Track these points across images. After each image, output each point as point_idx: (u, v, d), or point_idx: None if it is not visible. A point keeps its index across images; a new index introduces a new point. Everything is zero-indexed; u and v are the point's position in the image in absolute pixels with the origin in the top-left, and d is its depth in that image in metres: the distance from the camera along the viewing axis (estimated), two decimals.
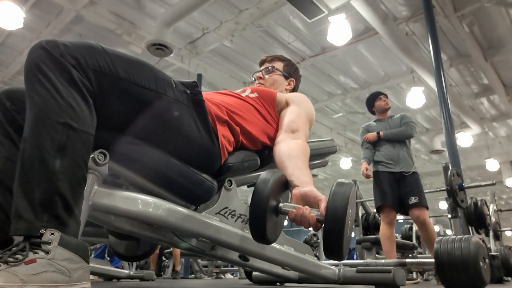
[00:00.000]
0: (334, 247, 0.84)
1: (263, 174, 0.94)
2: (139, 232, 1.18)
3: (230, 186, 1.21)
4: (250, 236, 1.21)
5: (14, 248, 0.72)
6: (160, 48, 5.24)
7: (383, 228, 3.20)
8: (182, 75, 6.67)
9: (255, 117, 1.29)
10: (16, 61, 6.50)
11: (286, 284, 2.37)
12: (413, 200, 3.08)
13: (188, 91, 1.09)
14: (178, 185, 1.06)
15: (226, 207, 1.18)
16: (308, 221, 0.88)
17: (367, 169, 3.32)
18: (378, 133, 3.33)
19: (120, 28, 5.62)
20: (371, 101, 3.58)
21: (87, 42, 0.87)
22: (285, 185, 1.00)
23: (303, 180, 0.98)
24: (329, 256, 0.88)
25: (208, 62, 6.64)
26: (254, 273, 2.44)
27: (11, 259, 0.69)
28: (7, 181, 0.98)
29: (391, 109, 3.60)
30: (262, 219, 0.88)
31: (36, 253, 0.72)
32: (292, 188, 0.98)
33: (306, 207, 0.89)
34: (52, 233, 0.74)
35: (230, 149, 1.18)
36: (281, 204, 0.94)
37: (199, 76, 6.80)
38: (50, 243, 0.73)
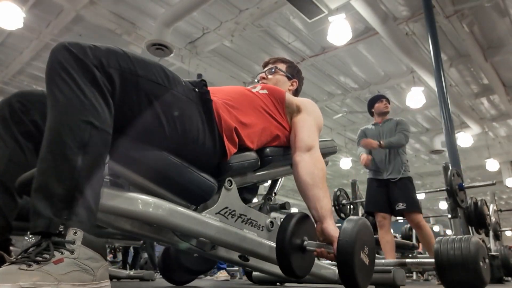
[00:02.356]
0: (346, 280, 1.00)
1: (287, 216, 1.12)
2: (139, 232, 1.18)
3: (230, 186, 1.21)
4: (250, 236, 1.22)
5: (35, 248, 0.71)
6: (160, 48, 5.24)
7: (379, 231, 3.25)
8: (182, 75, 6.49)
9: (263, 115, 1.30)
10: (16, 61, 6.49)
11: (286, 284, 2.37)
12: (400, 206, 3.13)
13: (197, 90, 1.11)
14: (179, 185, 1.06)
15: (226, 207, 1.18)
16: (328, 258, 1.11)
17: (368, 159, 3.34)
18: (379, 142, 3.29)
19: (120, 28, 5.62)
20: (372, 103, 3.59)
21: (108, 45, 0.90)
22: (307, 221, 1.15)
23: (322, 214, 1.15)
24: (345, 285, 1.02)
25: (208, 62, 6.64)
26: (254, 273, 2.44)
27: (39, 258, 0.68)
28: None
29: (391, 110, 3.60)
30: (286, 257, 1.05)
31: (61, 252, 0.71)
32: (315, 223, 1.17)
33: (323, 249, 1.10)
34: (75, 232, 0.74)
35: (235, 150, 1.18)
36: (305, 242, 1.11)
37: (199, 76, 6.79)
38: (74, 242, 0.73)
